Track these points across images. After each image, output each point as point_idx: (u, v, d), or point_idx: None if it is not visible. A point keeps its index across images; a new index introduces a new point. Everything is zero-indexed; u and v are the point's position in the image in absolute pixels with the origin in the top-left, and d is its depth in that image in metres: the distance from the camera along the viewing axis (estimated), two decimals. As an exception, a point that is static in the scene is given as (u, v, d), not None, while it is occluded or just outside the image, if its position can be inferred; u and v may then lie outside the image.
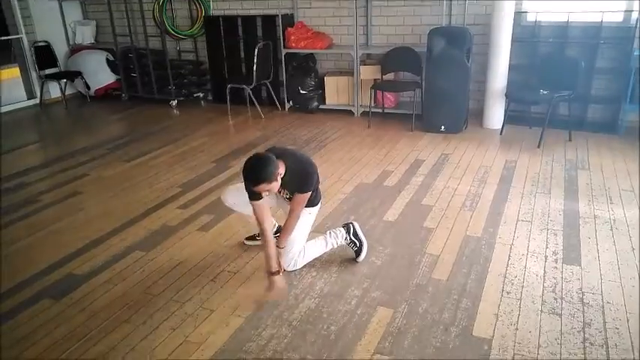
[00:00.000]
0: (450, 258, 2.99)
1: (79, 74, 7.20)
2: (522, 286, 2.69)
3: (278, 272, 2.60)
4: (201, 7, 6.76)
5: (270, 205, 2.86)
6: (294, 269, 2.87)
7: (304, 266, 2.92)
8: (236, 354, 2.28)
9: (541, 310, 2.50)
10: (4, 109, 6.93)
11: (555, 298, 2.59)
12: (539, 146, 4.72)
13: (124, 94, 7.37)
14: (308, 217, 2.86)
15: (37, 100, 7.24)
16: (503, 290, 2.67)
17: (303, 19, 6.29)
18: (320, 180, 2.89)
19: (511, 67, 5.17)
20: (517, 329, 2.37)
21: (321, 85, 6.24)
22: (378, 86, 5.71)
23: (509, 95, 5.09)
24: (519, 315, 2.47)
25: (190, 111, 6.71)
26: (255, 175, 2.43)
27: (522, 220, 3.40)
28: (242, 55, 6.64)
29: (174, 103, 6.91)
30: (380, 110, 5.94)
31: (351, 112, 6.12)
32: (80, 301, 2.72)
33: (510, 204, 3.64)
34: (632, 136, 4.84)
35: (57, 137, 6.03)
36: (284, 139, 5.30)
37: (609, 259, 2.92)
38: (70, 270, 3.03)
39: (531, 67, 5.25)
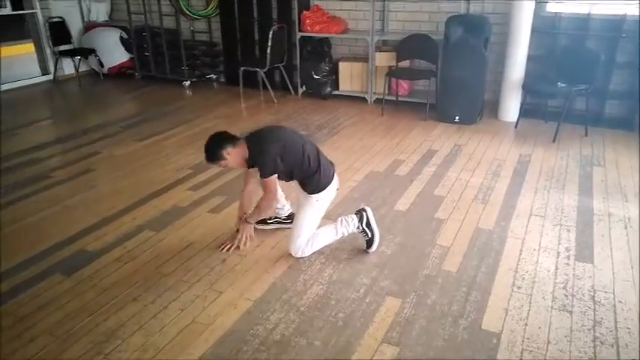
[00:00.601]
0: (461, 250, 2.97)
1: (92, 51, 7.19)
2: (533, 282, 2.67)
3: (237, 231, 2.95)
4: (216, -12, 6.70)
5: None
6: (302, 256, 2.87)
7: (313, 252, 2.91)
8: (244, 337, 2.29)
9: (551, 307, 2.48)
10: (18, 84, 6.94)
11: (566, 295, 2.57)
12: (554, 141, 4.66)
13: (137, 73, 7.36)
14: (316, 204, 2.81)
15: (51, 77, 7.25)
16: (513, 285, 2.65)
17: (319, 3, 6.22)
18: (331, 166, 2.86)
19: (529, 59, 5.08)
20: (526, 325, 2.36)
21: (334, 71, 6.19)
22: (392, 73, 5.65)
23: (526, 87, 5.01)
24: (529, 310, 2.45)
25: (203, 92, 6.69)
26: (205, 153, 2.75)
27: (535, 215, 3.36)
28: (256, 37, 6.57)
29: (186, 83, 6.89)
30: (393, 98, 5.88)
31: (364, 99, 6.07)
32: (91, 278, 2.74)
33: (523, 198, 3.60)
34: (650, 133, 4.77)
35: (70, 114, 6.04)
36: (296, 124, 5.27)
37: (622, 258, 2.88)
38: (81, 246, 3.05)
39: (550, 59, 5.16)
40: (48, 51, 7.21)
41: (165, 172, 4.13)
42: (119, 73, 7.43)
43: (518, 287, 2.63)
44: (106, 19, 7.66)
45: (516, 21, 4.92)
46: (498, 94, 5.34)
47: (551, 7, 5.15)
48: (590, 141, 4.68)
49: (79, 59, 7.26)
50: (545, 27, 5.15)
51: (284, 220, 3.19)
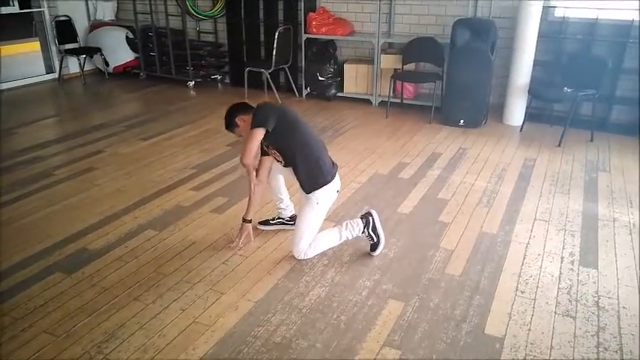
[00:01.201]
0: (464, 254, 2.95)
1: (98, 50, 7.20)
2: (537, 287, 2.65)
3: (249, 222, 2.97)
4: (223, -12, 6.71)
5: (282, 172, 3.02)
6: (304, 259, 2.85)
7: (316, 255, 2.89)
8: (245, 338, 2.28)
9: (555, 312, 2.46)
10: (23, 82, 6.97)
11: (570, 301, 2.54)
12: (559, 145, 4.63)
13: (142, 73, 7.37)
14: (317, 207, 2.76)
15: (56, 75, 7.26)
16: (517, 289, 2.62)
17: (325, 5, 6.21)
18: (333, 165, 2.83)
19: (535, 63, 5.06)
20: (530, 330, 2.34)
21: (340, 73, 6.18)
22: (398, 76, 5.63)
23: (532, 92, 4.99)
24: (533, 315, 2.43)
25: (207, 93, 6.69)
26: (224, 121, 2.88)
27: (539, 220, 3.34)
28: (262, 38, 6.58)
29: (191, 84, 6.89)
30: (398, 101, 5.86)
31: (369, 102, 6.06)
32: (92, 277, 2.73)
33: (528, 202, 3.58)
34: (657, 139, 4.74)
35: (74, 112, 6.05)
36: (300, 125, 5.25)
37: (627, 264, 2.86)
38: (83, 245, 3.04)
39: (556, 63, 5.14)
40: (54, 49, 7.22)
41: (169, 171, 4.12)
42: (124, 73, 7.44)
43: (522, 292, 2.61)
44: (113, 18, 7.67)
45: (523, 25, 4.90)
46: (504, 97, 5.32)
47: (558, 12, 5.13)
48: (595, 146, 4.65)
49: (85, 58, 7.27)
50: (552, 32, 5.13)
51: (287, 220, 3.18)
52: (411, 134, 5.00)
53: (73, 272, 2.76)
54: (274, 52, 5.84)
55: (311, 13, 6.01)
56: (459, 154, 4.49)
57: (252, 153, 2.68)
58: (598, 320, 2.41)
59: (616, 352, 2.21)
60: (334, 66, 6.12)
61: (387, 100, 5.70)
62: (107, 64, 7.32)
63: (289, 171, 2.85)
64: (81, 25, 7.42)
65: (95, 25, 7.47)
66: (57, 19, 7.05)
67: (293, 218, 3.13)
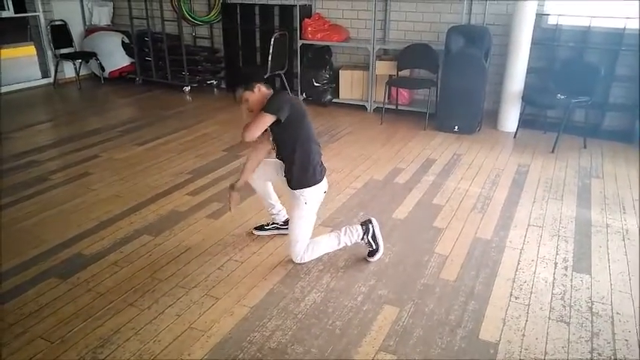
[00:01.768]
0: (459, 259, 2.96)
1: (93, 55, 7.21)
2: (531, 292, 2.66)
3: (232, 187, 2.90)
4: (219, -6, 6.75)
5: (271, 179, 3.01)
6: (302, 262, 2.86)
7: (310, 260, 2.90)
8: (240, 343, 2.28)
9: (549, 318, 2.47)
10: (18, 86, 6.95)
11: (564, 306, 2.56)
12: (553, 151, 4.67)
13: (137, 78, 7.37)
14: (305, 207, 2.73)
15: (51, 80, 7.26)
16: (511, 295, 2.64)
17: (320, 11, 6.25)
18: (322, 167, 2.81)
19: (529, 70, 5.11)
20: (524, 335, 2.35)
21: (335, 79, 6.21)
22: (393, 82, 5.66)
23: (526, 98, 5.03)
24: (527, 321, 2.45)
25: (203, 98, 6.70)
26: (241, 78, 2.82)
27: (533, 225, 3.36)
28: (257, 44, 6.61)
29: (187, 89, 6.90)
30: (393, 107, 5.89)
31: (364, 107, 6.09)
32: (87, 282, 2.72)
33: (522, 208, 3.60)
34: (649, 146, 4.79)
35: (69, 117, 6.03)
36: (296, 130, 5.27)
37: (620, 270, 2.88)
38: (78, 250, 3.04)
39: (549, 70, 5.19)
40: (49, 54, 7.22)
41: (164, 176, 4.12)
42: (120, 78, 7.44)
43: (516, 297, 2.62)
44: (108, 23, 7.68)
45: (517, 32, 4.95)
46: (498, 104, 5.36)
47: (552, 20, 5.18)
48: (588, 152, 4.69)
49: (80, 63, 7.27)
50: (545, 39, 5.18)
51: (281, 225, 3.18)
52: (406, 140, 5.03)
53: (68, 277, 2.76)
54: (270, 58, 5.86)
55: (307, 19, 6.04)
56: (454, 160, 4.52)
57: (257, 135, 2.64)
58: (592, 326, 2.42)
59: (609, 358, 2.23)
60: (330, 72, 6.15)
61: (382, 106, 5.73)
62: (103, 68, 7.32)
63: (278, 174, 2.86)
64: (77, 29, 7.42)
65: (91, 30, 7.48)
66: (52, 23, 7.05)
67: (287, 222, 3.14)
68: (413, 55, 5.56)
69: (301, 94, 6.34)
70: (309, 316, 2.47)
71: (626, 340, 2.33)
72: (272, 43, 5.84)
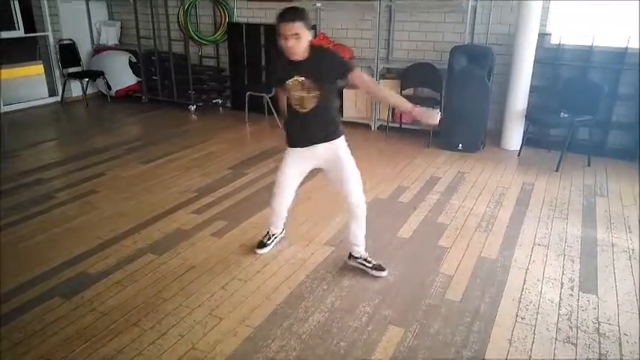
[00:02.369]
0: (464, 279, 2.95)
1: (101, 74, 7.30)
2: (537, 313, 2.64)
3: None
4: (225, 14, 6.84)
5: (298, 178, 2.99)
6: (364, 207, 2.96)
7: (314, 279, 2.91)
8: (244, 364, 2.27)
9: (555, 339, 2.45)
10: (25, 105, 7.04)
11: (570, 327, 2.53)
12: (557, 170, 4.67)
13: (144, 97, 7.45)
14: (349, 151, 2.86)
15: (59, 98, 7.35)
16: (517, 315, 2.62)
17: (325, 30, 6.32)
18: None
19: (532, 89, 5.13)
20: (531, 356, 2.33)
21: (339, 97, 6.23)
22: (396, 101, 5.68)
23: (529, 117, 5.05)
24: (533, 342, 2.42)
25: (208, 117, 6.75)
26: (294, 10, 2.51)
27: (539, 245, 3.35)
28: (263, 63, 6.67)
29: (193, 108, 6.96)
30: (397, 125, 5.92)
31: (368, 126, 6.12)
32: (91, 301, 2.72)
33: (527, 227, 3.59)
34: (654, 164, 4.77)
35: (76, 135, 6.09)
36: (300, 149, 5.29)
37: (627, 289, 2.86)
38: (82, 269, 3.04)
39: (553, 89, 5.21)
40: (57, 73, 7.32)
41: (169, 194, 4.14)
42: (126, 96, 7.52)
43: (522, 318, 2.60)
44: (116, 42, 7.80)
45: (520, 52, 4.99)
46: (501, 123, 5.37)
47: (554, 39, 5.22)
48: (593, 171, 4.68)
49: (87, 81, 7.36)
50: (548, 58, 5.21)
51: (279, 234, 3.29)
52: (410, 158, 5.04)
53: (72, 296, 2.76)
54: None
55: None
56: (458, 178, 4.52)
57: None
58: (599, 347, 2.40)
59: (617, 379, 2.20)
60: (334, 90, 6.18)
61: (385, 124, 5.75)
62: (110, 87, 7.40)
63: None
64: (85, 48, 7.53)
65: (99, 49, 7.59)
66: (61, 42, 7.16)
67: (282, 231, 3.30)
68: (416, 74, 5.61)
69: (306, 112, 6.37)
70: (313, 337, 2.45)
71: (635, 363, 2.30)
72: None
